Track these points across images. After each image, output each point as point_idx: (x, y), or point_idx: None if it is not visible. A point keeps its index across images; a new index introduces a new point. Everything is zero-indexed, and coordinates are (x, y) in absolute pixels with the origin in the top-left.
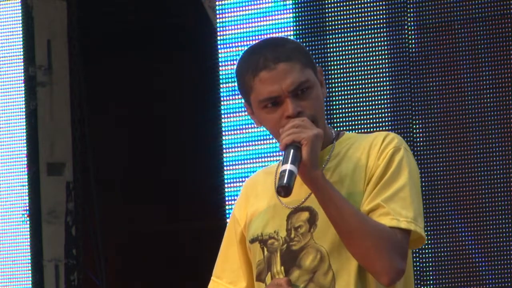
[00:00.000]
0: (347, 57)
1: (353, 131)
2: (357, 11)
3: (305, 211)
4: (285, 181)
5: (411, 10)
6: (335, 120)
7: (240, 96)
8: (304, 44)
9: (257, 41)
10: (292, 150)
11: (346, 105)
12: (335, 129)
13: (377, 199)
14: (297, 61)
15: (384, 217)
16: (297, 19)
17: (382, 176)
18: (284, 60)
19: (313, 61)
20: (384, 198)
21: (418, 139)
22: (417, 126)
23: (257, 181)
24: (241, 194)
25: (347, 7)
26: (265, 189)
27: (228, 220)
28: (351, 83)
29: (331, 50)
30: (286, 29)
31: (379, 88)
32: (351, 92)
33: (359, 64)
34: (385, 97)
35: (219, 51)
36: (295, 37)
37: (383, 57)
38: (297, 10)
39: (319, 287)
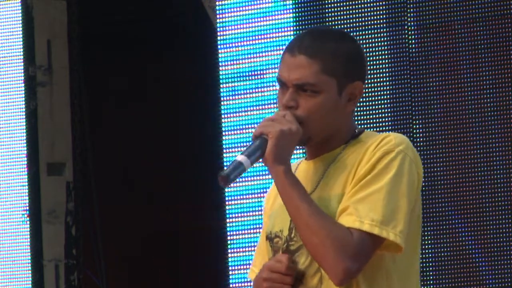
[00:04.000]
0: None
1: None
2: (357, 11)
3: None
4: (224, 171)
5: (411, 10)
6: None
7: (240, 96)
8: None
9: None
10: (257, 142)
11: None
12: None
13: (350, 200)
14: (319, 62)
15: (348, 217)
16: (297, 19)
17: (363, 177)
18: (306, 54)
19: (349, 73)
20: (355, 199)
21: (418, 139)
22: (417, 126)
23: None
24: (271, 188)
25: (347, 7)
26: None
27: (228, 220)
28: None
29: None
30: (286, 29)
31: (379, 88)
32: None
33: None
34: (385, 97)
35: (219, 51)
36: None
37: (383, 57)
38: (297, 10)
39: None
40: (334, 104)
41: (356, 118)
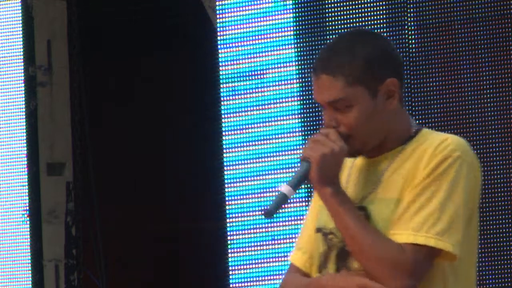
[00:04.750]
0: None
1: None
2: (357, 11)
3: (360, 211)
4: (269, 207)
5: (411, 10)
6: None
7: (240, 96)
8: (304, 44)
9: (345, 32)
10: (301, 168)
11: None
12: (416, 125)
13: (405, 212)
14: (341, 77)
15: (402, 232)
16: (297, 19)
17: (419, 186)
18: (328, 73)
19: (376, 75)
20: (410, 212)
21: None
22: None
23: None
24: None
25: (347, 7)
26: None
27: (228, 220)
28: None
29: None
30: (286, 29)
31: None
32: None
33: None
34: None
35: (219, 51)
36: (295, 37)
37: None
38: (297, 10)
39: None
40: (372, 110)
41: None
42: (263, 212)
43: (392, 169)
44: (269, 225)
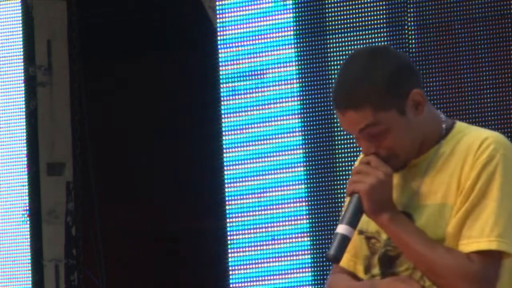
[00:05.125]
0: (347, 57)
1: None
2: (357, 11)
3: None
4: (331, 252)
5: (411, 10)
6: (335, 120)
7: (240, 96)
8: (304, 44)
9: (350, 56)
10: (352, 204)
11: None
12: (447, 119)
13: (463, 223)
14: (368, 107)
15: (464, 242)
16: (297, 19)
17: (470, 191)
18: (352, 108)
19: (399, 93)
20: (469, 222)
21: None
22: None
23: None
24: None
25: (347, 7)
26: None
27: (228, 220)
28: None
29: (331, 50)
30: (286, 29)
31: None
32: None
33: None
34: None
35: (219, 51)
36: (295, 37)
37: None
38: (297, 10)
39: None
40: (405, 126)
41: None
42: (328, 259)
43: (432, 172)
44: (269, 225)
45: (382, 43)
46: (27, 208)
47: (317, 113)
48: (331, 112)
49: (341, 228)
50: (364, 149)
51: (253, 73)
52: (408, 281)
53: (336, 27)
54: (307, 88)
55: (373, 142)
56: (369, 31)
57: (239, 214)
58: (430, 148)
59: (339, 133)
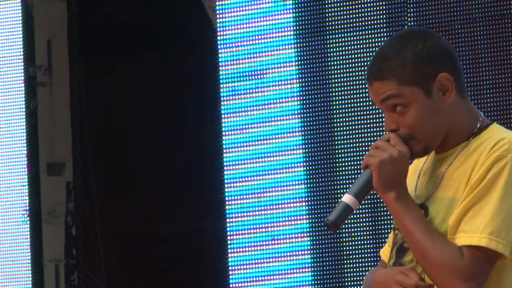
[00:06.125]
0: (347, 57)
1: (353, 131)
2: (357, 11)
3: (421, 210)
4: (331, 218)
5: (411, 10)
6: (335, 120)
7: (240, 96)
8: (304, 44)
9: (395, 35)
10: (363, 176)
11: (346, 105)
12: (484, 119)
13: (461, 216)
14: (393, 79)
15: (459, 235)
16: (297, 19)
17: (474, 188)
18: (378, 79)
19: (427, 73)
20: (468, 216)
21: None
22: None
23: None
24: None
25: (347, 7)
26: (408, 176)
27: (228, 220)
28: (351, 83)
29: (331, 50)
30: (286, 29)
31: None
32: (351, 92)
33: (360, 64)
34: None
35: (219, 51)
36: (295, 37)
37: None
38: (297, 10)
39: None
40: (429, 108)
41: (356, 118)
42: (326, 224)
43: (454, 166)
44: (269, 225)
45: (382, 43)
46: (27, 208)
47: (317, 113)
48: (331, 112)
49: (347, 198)
50: (387, 124)
51: (253, 73)
52: (407, 272)
53: (336, 27)
54: (307, 88)
55: (396, 118)
56: (369, 31)
57: (239, 214)
58: (460, 143)
59: (339, 133)
